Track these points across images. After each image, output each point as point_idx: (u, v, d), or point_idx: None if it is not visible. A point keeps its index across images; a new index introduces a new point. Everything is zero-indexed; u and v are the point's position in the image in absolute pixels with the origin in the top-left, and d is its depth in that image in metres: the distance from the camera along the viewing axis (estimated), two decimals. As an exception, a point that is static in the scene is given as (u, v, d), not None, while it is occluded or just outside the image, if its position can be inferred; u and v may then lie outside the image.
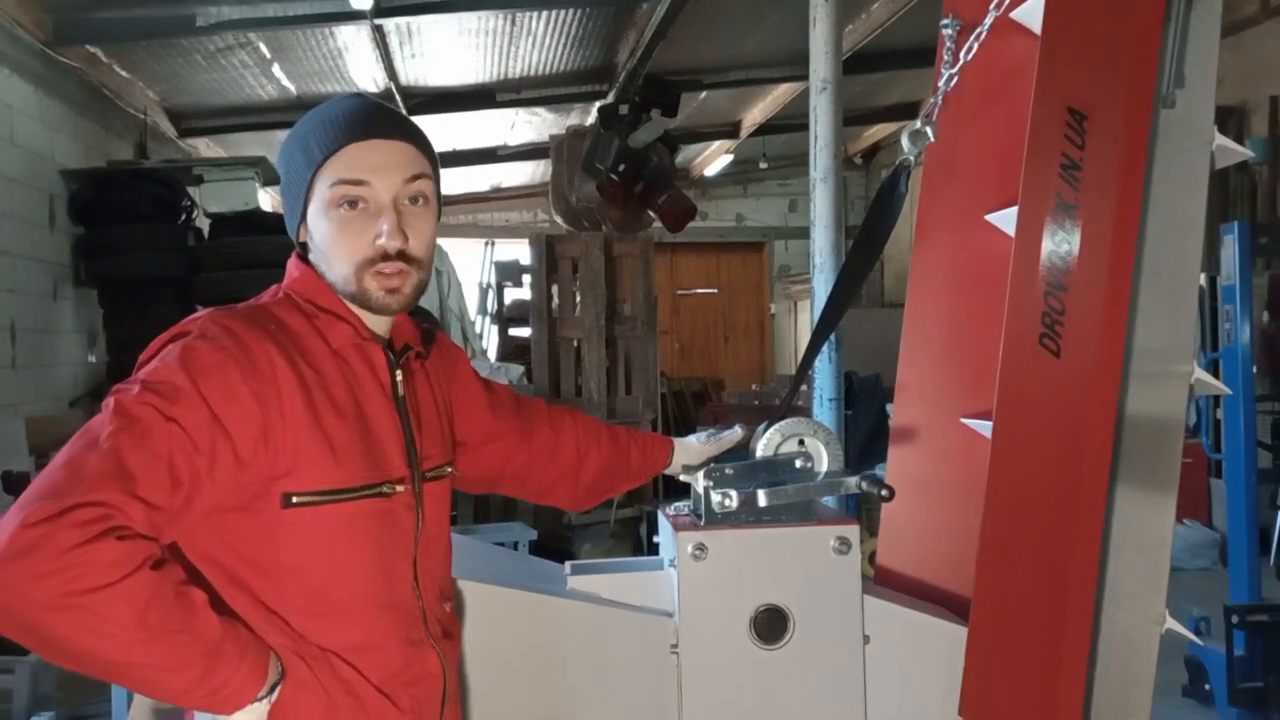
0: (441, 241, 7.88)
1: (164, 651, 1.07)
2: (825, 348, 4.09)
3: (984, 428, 1.65)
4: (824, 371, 3.88)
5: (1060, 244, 1.47)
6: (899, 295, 11.81)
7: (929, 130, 1.71)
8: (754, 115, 10.33)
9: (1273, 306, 6.64)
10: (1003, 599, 1.55)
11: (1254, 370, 4.54)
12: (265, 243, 7.16)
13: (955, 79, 1.67)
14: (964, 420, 1.70)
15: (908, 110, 11.11)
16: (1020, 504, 1.53)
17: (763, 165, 12.64)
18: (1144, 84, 1.42)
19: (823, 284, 4.01)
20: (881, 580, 1.85)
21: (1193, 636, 1.55)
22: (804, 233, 4.55)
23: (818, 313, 4.10)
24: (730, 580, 1.56)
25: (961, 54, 1.66)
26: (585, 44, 7.64)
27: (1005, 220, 1.63)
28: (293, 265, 1.43)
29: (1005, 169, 1.63)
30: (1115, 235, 1.43)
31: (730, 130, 10.93)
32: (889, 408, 7.11)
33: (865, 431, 6.01)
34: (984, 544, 1.56)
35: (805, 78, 4.04)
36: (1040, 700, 1.47)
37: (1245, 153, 1.53)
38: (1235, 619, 3.97)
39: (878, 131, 12.56)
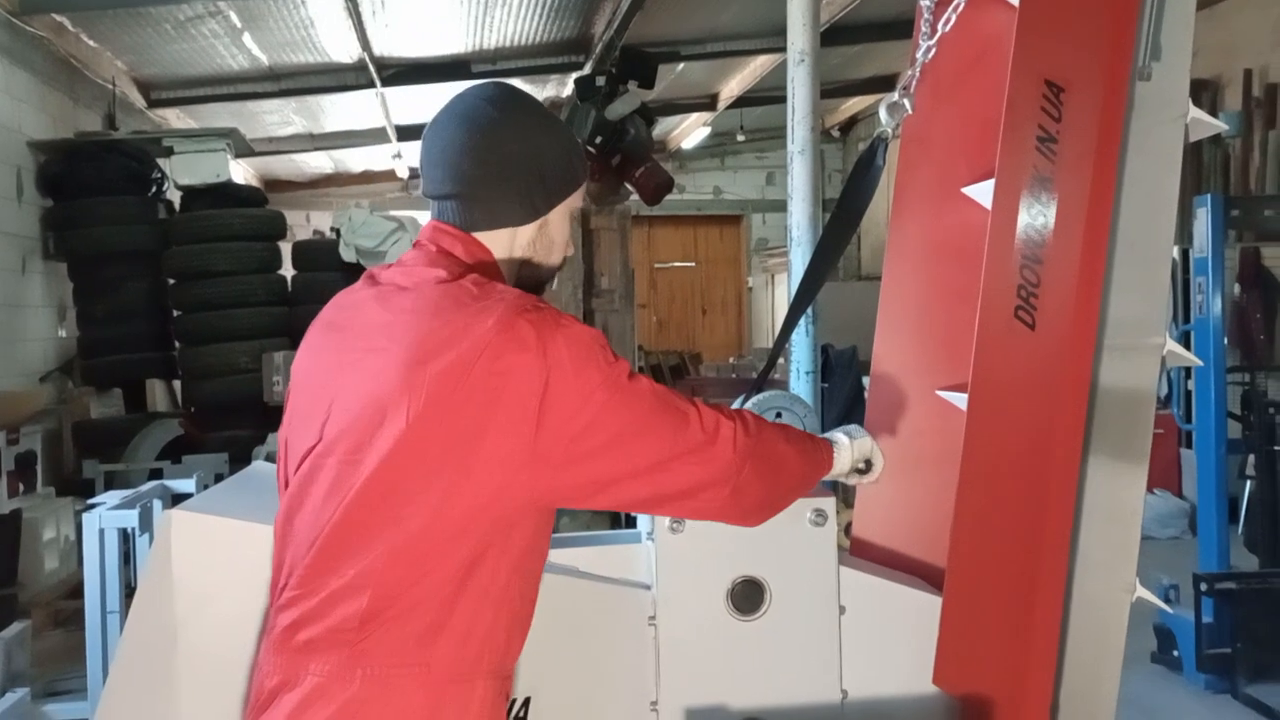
0: (415, 214, 7.84)
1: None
2: (802, 321, 4.10)
3: (959, 400, 1.66)
4: (801, 344, 3.89)
5: (1036, 217, 1.47)
6: (876, 268, 11.85)
7: (906, 102, 1.71)
8: (731, 87, 10.28)
9: (1244, 279, 6.71)
10: (976, 569, 1.56)
11: (1225, 342, 4.59)
12: (238, 215, 7.08)
13: (933, 51, 1.67)
14: (939, 393, 1.71)
15: (885, 83, 11.08)
16: (994, 475, 1.55)
17: (740, 138, 12.60)
18: (1120, 57, 1.42)
19: (800, 257, 4.01)
20: (857, 551, 1.87)
21: (1162, 604, 1.57)
22: (781, 206, 4.55)
23: (795, 286, 4.10)
24: (707, 553, 1.56)
25: (940, 25, 1.65)
26: (561, 15, 7.57)
27: (982, 193, 1.63)
28: (478, 249, 1.40)
29: (982, 142, 1.62)
30: (1090, 208, 1.43)
31: (707, 102, 10.88)
32: (865, 380, 7.16)
33: (841, 404, 6.04)
34: (958, 514, 1.57)
35: (783, 49, 4.02)
36: (1012, 669, 1.49)
37: (1219, 125, 1.53)
38: (1204, 587, 4.04)
39: (855, 104, 12.54)
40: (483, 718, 1.31)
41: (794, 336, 4.20)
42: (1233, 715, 3.91)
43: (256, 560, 1.48)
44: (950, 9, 1.62)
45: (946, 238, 1.80)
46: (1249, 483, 5.29)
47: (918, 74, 1.69)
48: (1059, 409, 1.45)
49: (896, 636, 1.62)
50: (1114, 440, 1.47)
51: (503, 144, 1.38)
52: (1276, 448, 4.34)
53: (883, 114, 1.73)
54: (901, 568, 1.75)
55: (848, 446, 1.54)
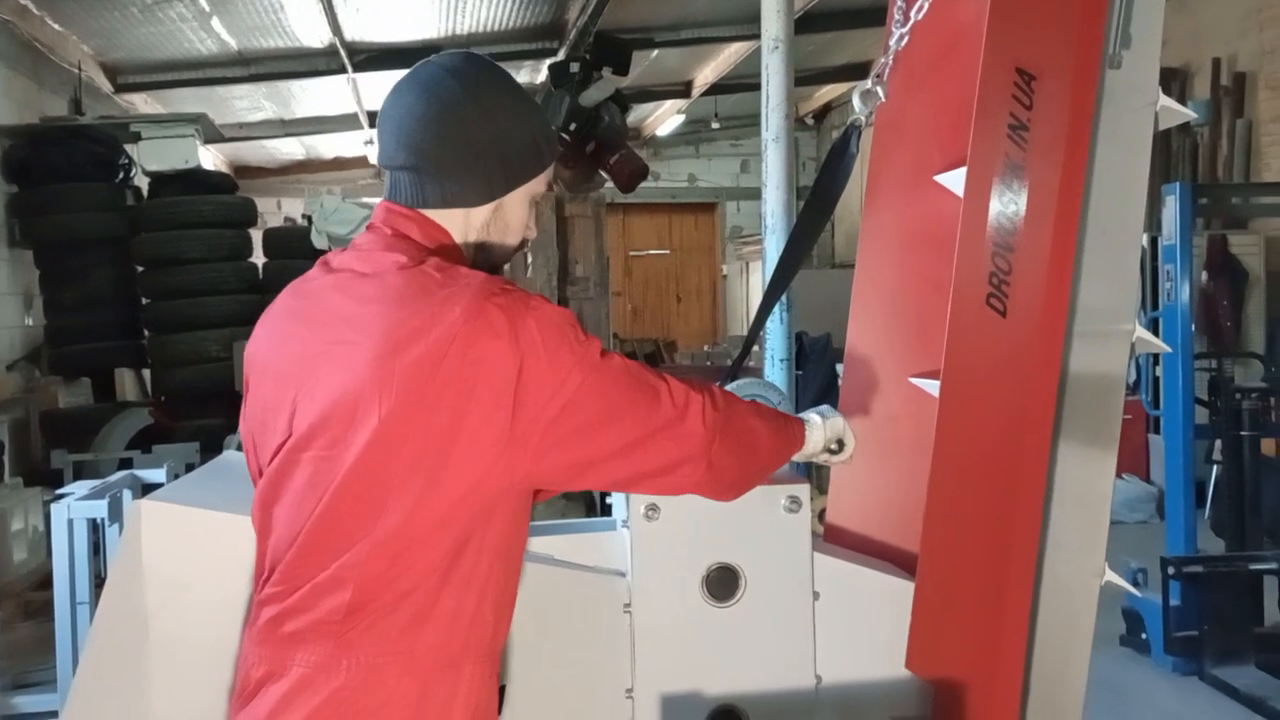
0: (390, 201, 7.76)
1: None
2: (776, 308, 4.11)
3: (932, 387, 1.66)
4: (775, 332, 3.90)
5: (1007, 205, 1.48)
6: (849, 256, 11.89)
7: (879, 90, 1.71)
8: (706, 74, 10.27)
9: (1211, 267, 6.79)
10: (948, 554, 1.57)
11: (1193, 329, 4.64)
12: (207, 202, 7.00)
13: (906, 38, 1.67)
14: (912, 380, 1.72)
15: (859, 70, 11.11)
16: (966, 461, 1.56)
17: (714, 125, 12.60)
18: (1091, 45, 1.43)
19: (774, 245, 4.01)
20: (831, 538, 1.88)
21: (1130, 588, 1.59)
22: (756, 193, 4.55)
23: (769, 274, 4.11)
24: (682, 540, 1.57)
25: (912, 13, 1.65)
26: (535, 0, 7.52)
27: (954, 181, 1.63)
28: (435, 231, 1.37)
29: (954, 130, 1.63)
30: (1061, 196, 1.44)
31: (682, 90, 10.86)
32: (839, 367, 7.18)
33: (815, 391, 6.07)
34: (931, 500, 1.59)
35: (757, 36, 4.01)
36: (983, 653, 1.50)
37: (1188, 114, 1.54)
38: (1171, 570, 4.10)
39: (829, 91, 12.56)
40: (472, 700, 1.31)
41: (769, 324, 4.21)
42: (1199, 696, 3.98)
43: (228, 550, 1.47)
44: None
45: (920, 225, 1.80)
46: (1215, 468, 5.37)
47: (891, 61, 1.69)
48: (1030, 395, 1.46)
49: (870, 622, 1.64)
50: (1084, 426, 1.49)
51: (465, 121, 1.33)
52: (1243, 433, 4.40)
53: (856, 101, 1.73)
54: (875, 553, 1.77)
55: (820, 425, 1.54)
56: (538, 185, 1.43)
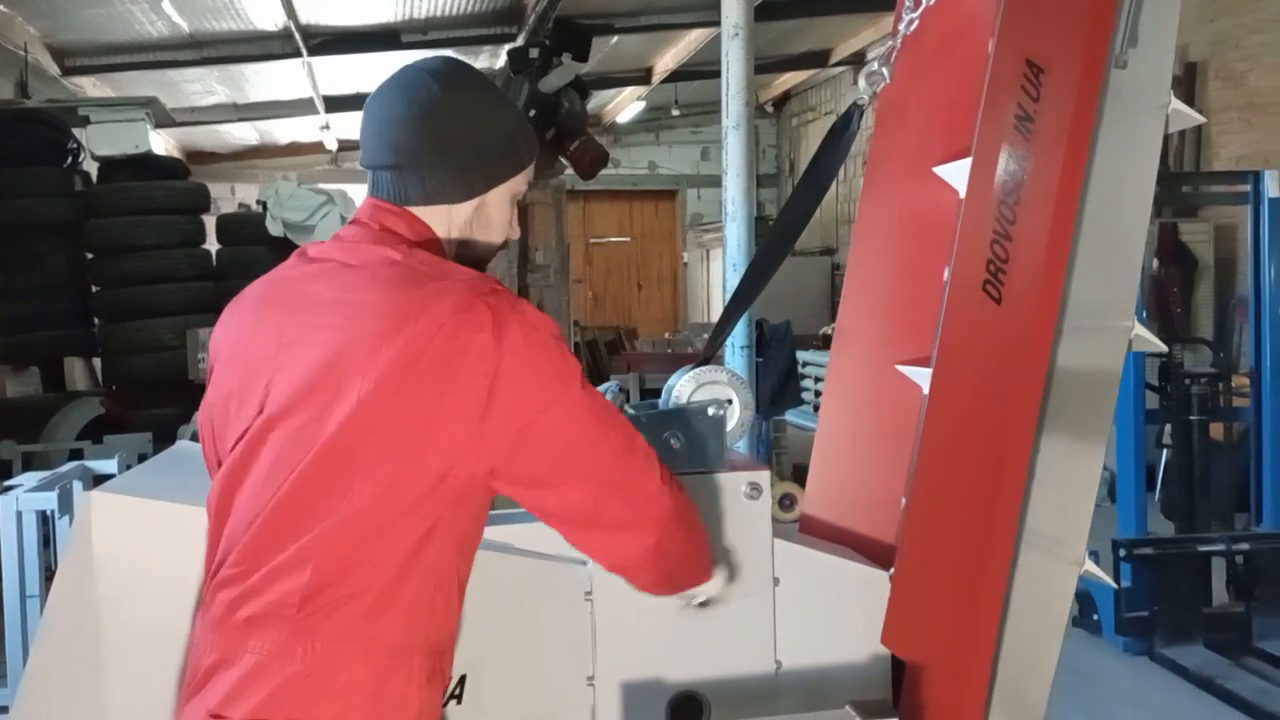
0: (345, 188, 7.68)
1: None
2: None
3: (918, 375, 1.68)
4: (737, 321, 3.90)
5: (1009, 194, 1.49)
6: (808, 244, 11.96)
7: (885, 71, 1.73)
8: (666, 61, 10.25)
9: (1162, 254, 6.91)
10: (930, 534, 1.59)
11: (1144, 315, 4.73)
12: (160, 187, 6.88)
13: (915, 23, 1.69)
14: (899, 367, 1.73)
15: (818, 58, 11.15)
16: (953, 443, 1.57)
17: (675, 112, 12.58)
18: (1097, 44, 1.43)
19: (735, 232, 4.02)
20: (806, 528, 1.89)
21: (1109, 580, 1.61)
22: (716, 181, 4.55)
23: (730, 261, 4.11)
24: (643, 527, 1.56)
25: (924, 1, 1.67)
26: (494, -16, 7.46)
27: (952, 173, 1.65)
28: (421, 227, 1.38)
29: (955, 122, 1.65)
30: (1060, 191, 1.44)
31: (642, 76, 10.83)
32: (799, 355, 7.22)
33: (775, 378, 6.10)
34: (917, 480, 1.61)
35: (717, 23, 4.01)
36: (956, 633, 1.52)
37: (1198, 118, 1.55)
38: (1122, 552, 4.18)
39: (789, 79, 12.59)
40: (424, 692, 1.31)
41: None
42: (1150, 675, 4.06)
43: (182, 541, 1.45)
44: None
45: (915, 214, 1.82)
46: (1166, 451, 5.47)
47: (899, 45, 1.70)
48: (1019, 383, 1.47)
49: (829, 607, 1.65)
50: (1074, 418, 1.50)
51: (443, 119, 1.36)
52: (1192, 417, 4.49)
53: (861, 82, 1.75)
54: (849, 540, 1.78)
55: (721, 577, 1.53)
56: (519, 184, 1.45)
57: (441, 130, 1.36)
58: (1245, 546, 4.24)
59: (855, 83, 11.32)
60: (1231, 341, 4.92)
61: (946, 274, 1.63)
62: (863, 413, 1.91)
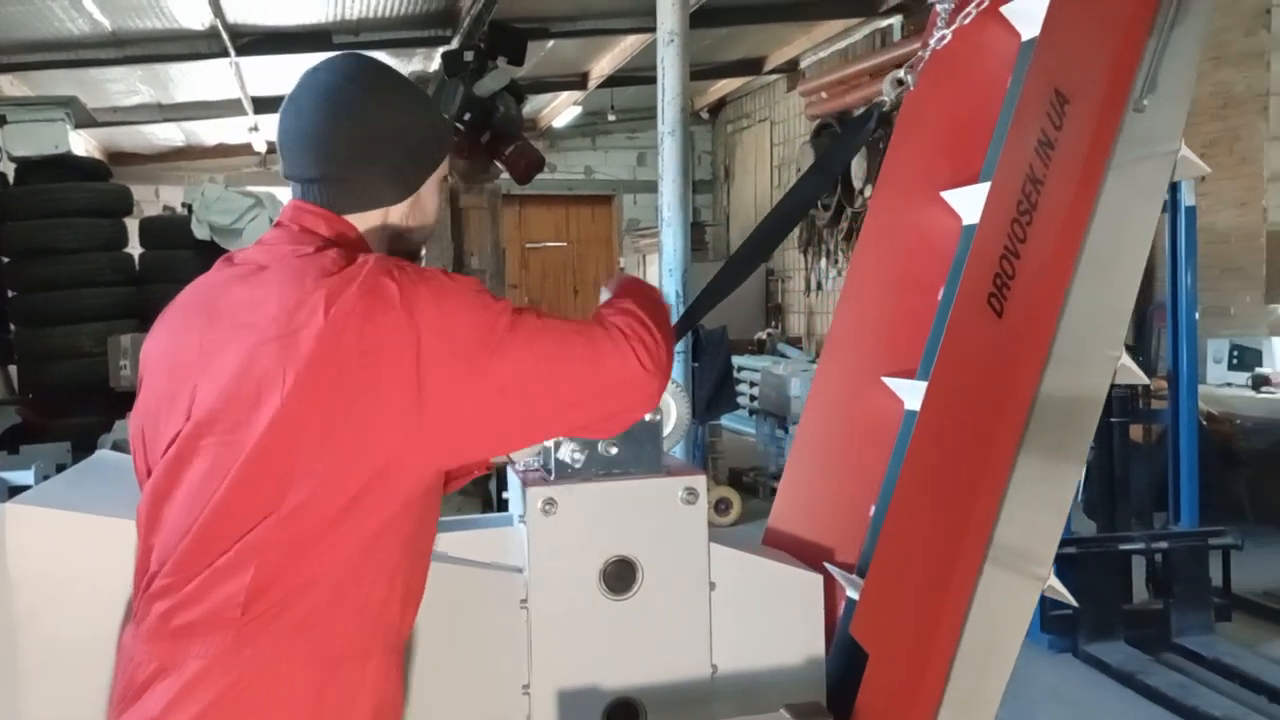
0: (273, 190, 7.54)
1: None
2: (675, 302, 4.14)
3: (901, 387, 1.75)
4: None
5: (1024, 213, 1.55)
6: (744, 249, 12.03)
7: (910, 79, 1.81)
8: (602, 66, 10.25)
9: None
10: (906, 535, 1.62)
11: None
12: (81, 189, 6.68)
13: (947, 39, 1.76)
14: (885, 379, 1.80)
15: (753, 65, 11.26)
16: (940, 448, 1.62)
17: (611, 118, 12.59)
18: (1119, 87, 1.51)
19: (671, 237, 4.04)
20: (770, 540, 1.91)
21: (1072, 601, 1.65)
22: (653, 186, 4.57)
23: (666, 266, 4.13)
24: (580, 534, 1.56)
25: (958, 19, 1.75)
26: (428, -13, 7.39)
27: (959, 199, 1.75)
28: (341, 225, 1.38)
29: (967, 148, 1.75)
30: (1069, 217, 1.51)
31: (578, 81, 10.82)
32: (734, 360, 7.27)
33: (711, 383, 6.13)
34: (903, 477, 1.64)
35: (653, 29, 4.03)
36: (919, 632, 1.56)
37: (1203, 168, 1.62)
38: (1048, 552, 4.27)
39: (724, 86, 12.69)
40: (380, 692, 1.29)
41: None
42: (1074, 671, 4.17)
43: (103, 555, 1.41)
44: (973, 4, 1.73)
45: (914, 232, 1.90)
46: (1088, 452, 5.62)
47: (928, 57, 1.78)
48: (1007, 397, 1.52)
49: (765, 611, 1.66)
50: (1055, 439, 1.55)
51: (369, 124, 1.34)
52: (1113, 420, 4.62)
53: (886, 88, 1.82)
54: (816, 545, 1.82)
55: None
56: (444, 167, 1.48)
57: (369, 137, 1.35)
58: (1164, 545, 4.37)
59: (789, 90, 11.46)
60: (1150, 346, 5.07)
61: (940, 294, 1.72)
62: (841, 421, 1.97)
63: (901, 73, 1.82)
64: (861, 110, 1.94)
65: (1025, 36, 1.83)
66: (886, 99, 1.84)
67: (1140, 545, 4.36)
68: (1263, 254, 6.25)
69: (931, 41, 1.79)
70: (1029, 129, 1.57)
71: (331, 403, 1.21)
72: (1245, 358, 5.98)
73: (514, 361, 1.26)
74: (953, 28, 1.76)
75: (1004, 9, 1.81)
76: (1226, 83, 6.45)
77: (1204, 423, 5.16)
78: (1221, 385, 6.00)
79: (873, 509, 1.82)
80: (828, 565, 1.79)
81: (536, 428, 1.35)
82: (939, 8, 1.82)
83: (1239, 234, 6.54)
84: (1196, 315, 4.57)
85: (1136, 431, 4.91)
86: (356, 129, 1.34)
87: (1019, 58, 1.83)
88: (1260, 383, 5.72)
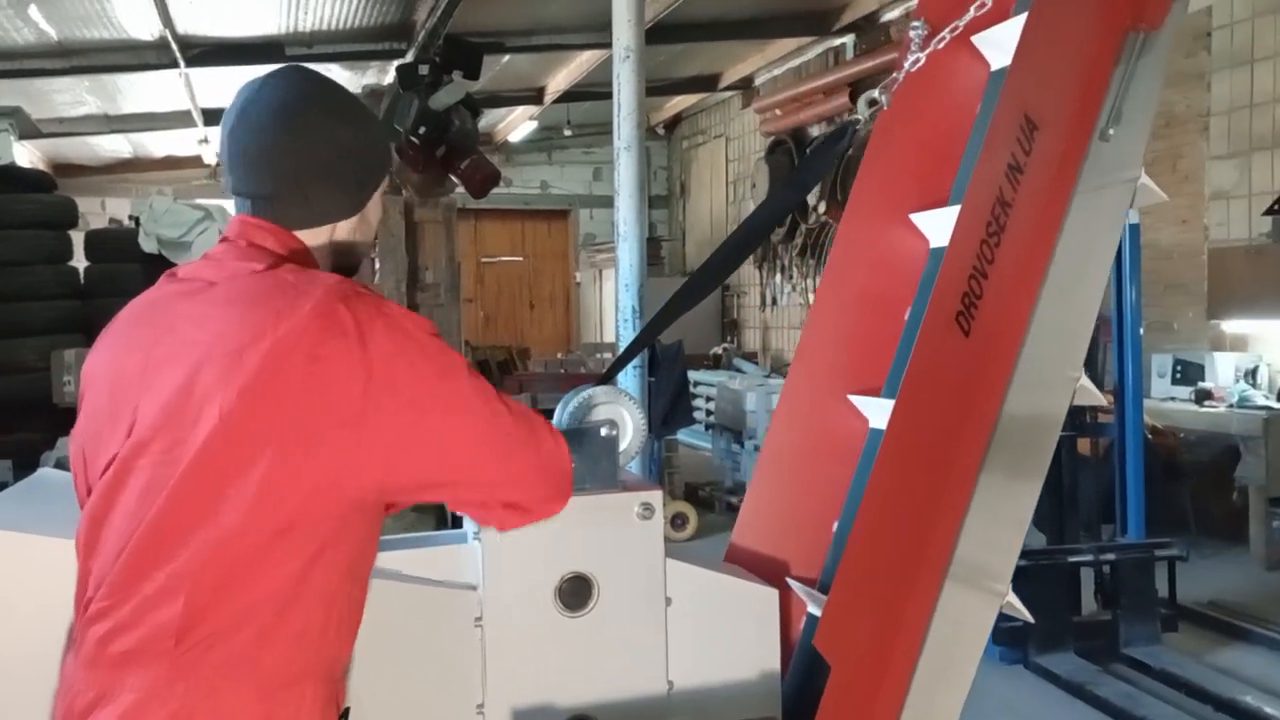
0: (224, 203, 7.43)
1: None
2: (630, 317, 4.14)
3: (867, 405, 1.79)
4: (628, 340, 3.92)
5: (993, 234, 1.58)
6: (700, 265, 12.10)
7: (884, 99, 1.84)
8: (558, 81, 10.27)
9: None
10: (870, 550, 1.64)
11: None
12: (25, 201, 6.56)
13: (921, 62, 1.80)
14: (850, 397, 1.83)
15: (708, 82, 11.35)
16: (905, 463, 1.64)
17: (567, 132, 12.62)
18: (1087, 116, 1.56)
19: (627, 252, 4.04)
20: (731, 556, 1.92)
21: (1027, 615, 1.68)
22: (609, 201, 4.58)
23: (622, 281, 4.13)
24: (535, 550, 1.55)
25: (932, 43, 1.78)
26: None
27: (926, 222, 1.80)
28: (289, 239, 1.36)
29: (934, 172, 1.80)
30: (1034, 242, 1.56)
31: (534, 96, 10.83)
32: (690, 375, 7.29)
33: (667, 398, 6.14)
34: (867, 496, 1.66)
35: (608, 45, 4.04)
36: (880, 646, 1.57)
37: (1161, 196, 1.68)
38: (999, 564, 4.32)
39: (680, 102, 12.77)
40: None
41: (621, 331, 4.23)
42: (1025, 683, 4.22)
43: (45, 575, 1.37)
44: (948, 29, 1.77)
45: (883, 252, 1.94)
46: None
47: (902, 79, 1.82)
48: (971, 414, 1.55)
49: (721, 626, 1.66)
50: (1016, 456, 1.58)
51: (322, 142, 1.34)
52: (1061, 433, 4.68)
53: (861, 106, 1.86)
54: (778, 564, 1.83)
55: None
56: (386, 180, 1.48)
57: (322, 155, 1.34)
58: (1111, 557, 4.44)
59: (744, 107, 11.56)
60: (1097, 360, 5.17)
61: (907, 314, 1.76)
62: (806, 437, 1.99)
63: (876, 92, 1.86)
64: (833, 128, 1.99)
65: (995, 66, 1.88)
66: (861, 117, 1.88)
67: (1089, 557, 4.43)
68: (1204, 270, 6.40)
69: (906, 64, 1.83)
70: (999, 153, 1.61)
71: (270, 422, 1.19)
72: (1188, 372, 6.12)
73: (452, 414, 1.28)
74: (927, 51, 1.80)
75: (975, 38, 1.85)
76: (1168, 103, 6.62)
77: (1149, 436, 5.26)
78: (1166, 399, 6.12)
79: (835, 525, 1.83)
80: (790, 580, 1.80)
81: (455, 490, 1.35)
82: (912, 33, 1.86)
83: (1181, 251, 6.69)
84: (1141, 330, 4.66)
85: (1084, 444, 4.99)
86: (310, 147, 1.33)
87: (988, 86, 1.88)
88: (1203, 397, 5.85)
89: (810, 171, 2.12)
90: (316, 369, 1.20)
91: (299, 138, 1.33)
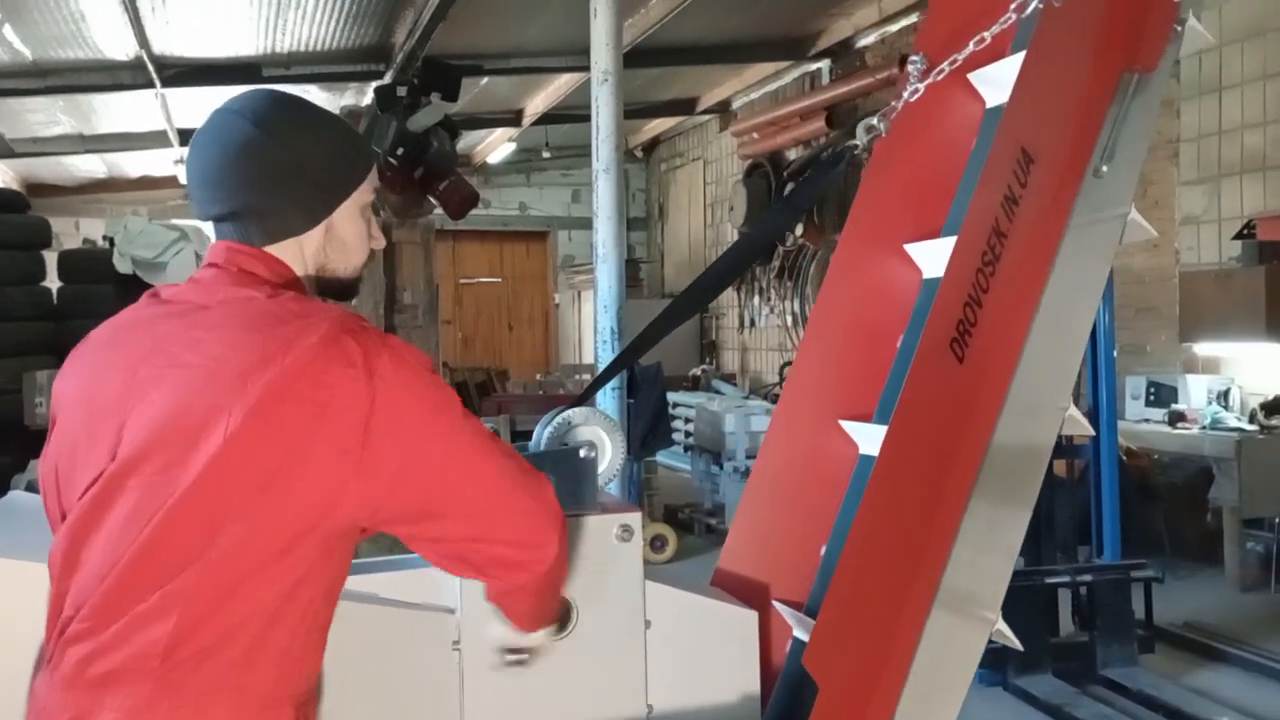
0: (200, 224, 7.38)
1: None
2: (609, 338, 4.14)
3: (858, 431, 1.80)
4: (608, 361, 3.92)
5: (988, 263, 1.60)
6: (678, 287, 12.15)
7: (882, 126, 1.86)
8: (536, 104, 10.31)
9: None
10: (860, 573, 1.64)
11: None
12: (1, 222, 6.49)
13: (920, 92, 1.83)
14: (841, 423, 1.83)
15: (686, 105, 11.42)
16: (897, 488, 1.64)
17: (546, 154, 12.65)
18: (1082, 151, 1.60)
19: (606, 274, 4.05)
20: (720, 578, 1.91)
21: (1016, 643, 1.68)
22: (587, 223, 4.59)
23: (601, 302, 4.13)
24: (514, 573, 1.54)
25: (932, 75, 1.81)
26: (360, 21, 7.36)
27: (920, 253, 1.81)
28: (280, 267, 1.35)
29: (930, 203, 1.82)
30: (1029, 270, 1.59)
31: (513, 118, 10.86)
32: (669, 396, 7.28)
33: (646, 420, 6.13)
34: (859, 519, 1.66)
35: (587, 68, 4.07)
36: (869, 669, 1.57)
37: (1150, 232, 1.71)
38: (977, 585, 4.33)
39: (658, 125, 12.84)
40: None
41: (601, 353, 4.23)
42: (1004, 704, 4.21)
43: (14, 599, 1.34)
44: (946, 62, 1.79)
45: (879, 278, 1.95)
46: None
47: (900, 107, 1.84)
48: (963, 441, 1.56)
49: (701, 648, 1.65)
50: (1006, 484, 1.59)
51: (263, 155, 1.32)
52: (1038, 455, 4.71)
53: (860, 131, 1.87)
54: (766, 587, 1.83)
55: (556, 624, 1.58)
56: (364, 195, 1.42)
57: (266, 168, 1.33)
58: (1088, 578, 4.46)
59: (722, 130, 11.64)
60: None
61: (899, 343, 1.77)
62: (796, 461, 2.00)
63: (875, 120, 1.88)
64: (828, 154, 2.02)
65: (990, 103, 1.91)
66: (860, 143, 1.90)
67: (1066, 579, 4.44)
68: (1175, 294, 6.48)
69: (905, 93, 1.85)
70: (997, 185, 1.63)
71: (274, 450, 1.19)
72: (1161, 394, 6.17)
73: (448, 448, 1.28)
74: (926, 83, 1.83)
75: (971, 75, 1.88)
76: (1139, 130, 6.72)
77: (1123, 458, 5.30)
78: (1140, 421, 6.17)
79: (824, 550, 1.83)
80: (777, 604, 1.79)
81: (441, 523, 1.31)
82: (911, 67, 1.90)
83: (1153, 275, 6.77)
84: (1115, 353, 4.71)
85: (1060, 466, 5.02)
86: (251, 162, 1.32)
87: (984, 122, 1.90)
88: (1176, 419, 5.90)
89: (806, 195, 2.14)
90: (323, 396, 1.20)
91: (240, 154, 1.32)
